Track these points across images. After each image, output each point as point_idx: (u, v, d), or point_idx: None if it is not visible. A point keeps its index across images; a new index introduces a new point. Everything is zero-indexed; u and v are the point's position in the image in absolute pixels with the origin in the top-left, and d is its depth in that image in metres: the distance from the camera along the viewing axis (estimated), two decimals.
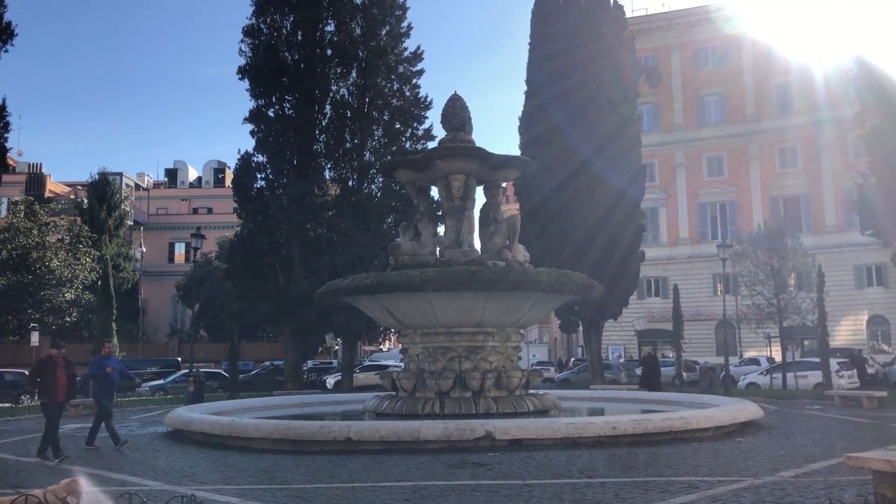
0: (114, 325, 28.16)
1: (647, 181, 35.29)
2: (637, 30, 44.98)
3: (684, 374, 34.08)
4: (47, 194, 71.03)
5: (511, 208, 35.75)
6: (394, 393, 16.55)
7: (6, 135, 23.09)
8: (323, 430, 11.82)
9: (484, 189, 17.56)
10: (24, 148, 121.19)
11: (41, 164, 78.10)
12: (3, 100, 22.96)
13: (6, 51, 23.08)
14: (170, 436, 14.98)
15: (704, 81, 54.04)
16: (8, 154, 68.72)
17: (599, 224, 30.77)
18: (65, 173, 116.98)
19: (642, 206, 33.64)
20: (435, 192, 19.19)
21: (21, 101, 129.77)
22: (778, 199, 50.90)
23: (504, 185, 18.01)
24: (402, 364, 19.72)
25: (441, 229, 18.61)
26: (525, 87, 34.61)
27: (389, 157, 27.09)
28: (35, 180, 73.93)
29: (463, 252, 16.30)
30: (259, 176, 34.65)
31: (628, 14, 38.19)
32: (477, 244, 17.02)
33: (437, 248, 16.87)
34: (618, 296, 31.05)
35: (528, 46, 34.81)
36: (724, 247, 28.92)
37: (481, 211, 17.42)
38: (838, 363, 28.53)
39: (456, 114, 17.38)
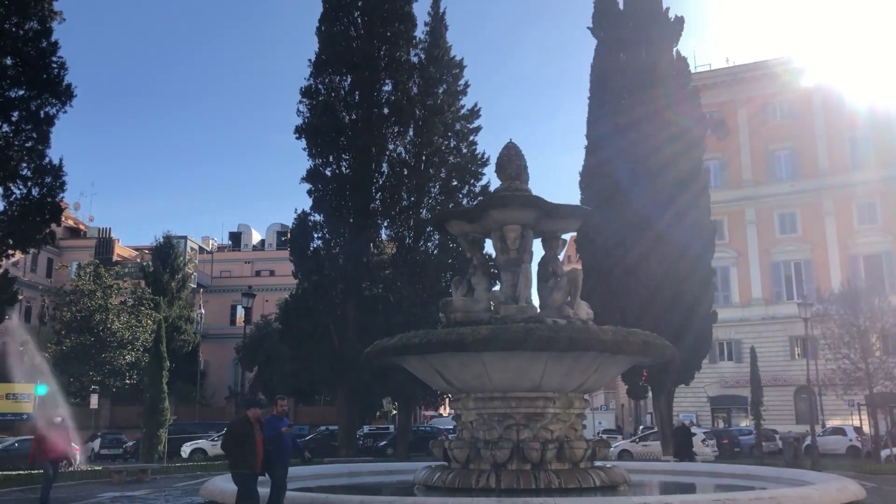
0: (165, 386, 27.62)
1: (716, 239, 33.58)
2: (701, 85, 43.79)
3: (762, 443, 31.68)
4: (115, 258, 72.68)
5: (572, 266, 34.36)
6: (446, 464, 15.17)
7: (62, 194, 23.09)
8: None
9: (542, 241, 16.36)
10: (95, 213, 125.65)
11: (110, 228, 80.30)
12: (61, 160, 23.12)
13: (65, 111, 23.33)
14: None
15: (773, 136, 52.15)
16: (67, 212, 70.52)
17: (667, 282, 29.14)
18: (133, 238, 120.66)
19: (712, 265, 31.86)
20: (490, 245, 18.16)
21: (95, 169, 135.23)
22: (857, 257, 48.09)
23: (564, 237, 16.76)
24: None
25: (497, 286, 17.41)
26: (585, 143, 33.57)
27: (440, 210, 26.25)
28: (104, 244, 75.89)
29: (519, 308, 15.03)
30: (315, 235, 34.32)
31: (692, 70, 37.06)
32: (535, 301, 15.76)
33: (492, 305, 15.64)
34: (689, 359, 29.11)
35: (587, 101, 33.91)
36: (806, 305, 26.81)
37: (539, 265, 16.18)
38: None
39: (511, 161, 16.33)
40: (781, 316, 48.65)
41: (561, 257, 16.74)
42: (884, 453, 28.88)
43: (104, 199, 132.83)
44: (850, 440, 37.72)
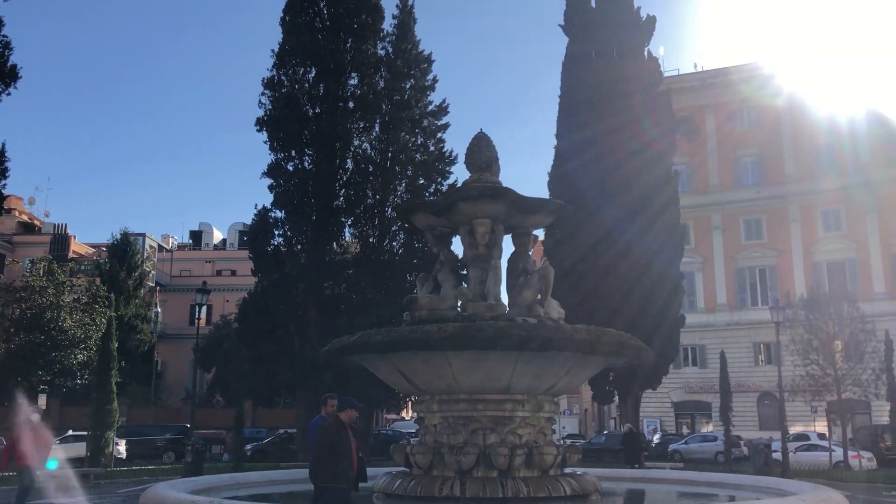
0: (114, 386, 26.28)
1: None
2: (670, 90, 43.52)
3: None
4: (71, 255, 70.43)
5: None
6: (408, 470, 14.28)
7: (3, 181, 21.75)
8: None
9: (512, 237, 15.57)
10: (51, 209, 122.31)
11: (66, 224, 77.95)
12: (3, 145, 21.76)
13: (9, 94, 21.97)
14: None
15: (740, 142, 52.23)
16: (21, 207, 68.23)
17: (636, 286, 28.67)
18: (92, 235, 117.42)
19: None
20: (458, 242, 17.35)
21: (52, 165, 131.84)
22: (821, 263, 48.29)
23: (536, 233, 15.97)
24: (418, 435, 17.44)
25: (465, 283, 16.59)
26: (555, 143, 33.04)
27: (406, 201, 25.29)
28: (59, 241, 73.58)
29: (488, 306, 14.21)
30: (276, 232, 33.24)
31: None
32: (504, 298, 14.96)
33: (459, 302, 14.81)
34: (657, 364, 28.61)
35: (558, 100, 33.38)
36: (778, 309, 26.44)
37: (509, 261, 15.38)
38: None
39: (481, 152, 15.51)
40: (746, 322, 48.65)
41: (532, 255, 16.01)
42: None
43: (61, 195, 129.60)
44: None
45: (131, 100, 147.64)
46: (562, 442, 22.86)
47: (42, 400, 39.63)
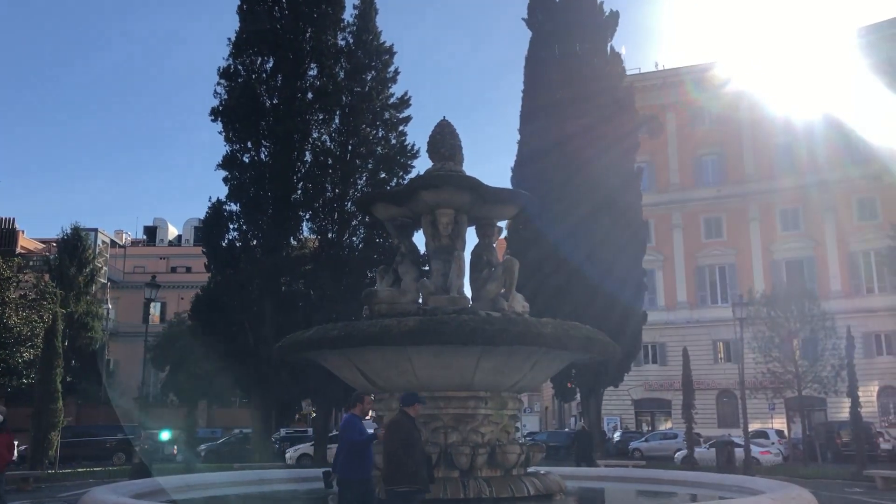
0: (58, 385, 25.09)
1: None
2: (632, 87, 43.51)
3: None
4: (19, 250, 68.04)
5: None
6: None
7: None
8: None
9: (476, 228, 15.04)
10: None
11: (14, 218, 75.25)
12: None
13: None
14: None
15: (701, 141, 52.52)
16: None
17: (599, 284, 28.34)
18: (41, 230, 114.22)
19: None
20: (420, 237, 16.74)
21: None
22: (780, 262, 48.76)
23: (500, 225, 15.44)
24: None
25: (426, 275, 15.95)
26: (518, 138, 32.60)
27: (366, 192, 24.12)
28: (6, 235, 70.89)
29: (451, 299, 13.64)
30: (231, 226, 32.17)
31: None
32: (468, 292, 14.39)
33: (421, 296, 14.21)
34: (619, 361, 28.31)
35: (521, 95, 32.95)
36: (741, 305, 26.32)
37: (473, 253, 14.84)
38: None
39: (444, 140, 14.95)
40: (706, 320, 48.91)
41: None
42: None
43: (9, 188, 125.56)
44: (773, 443, 37.76)
45: (85, 91, 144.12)
46: (524, 440, 22.46)
47: None
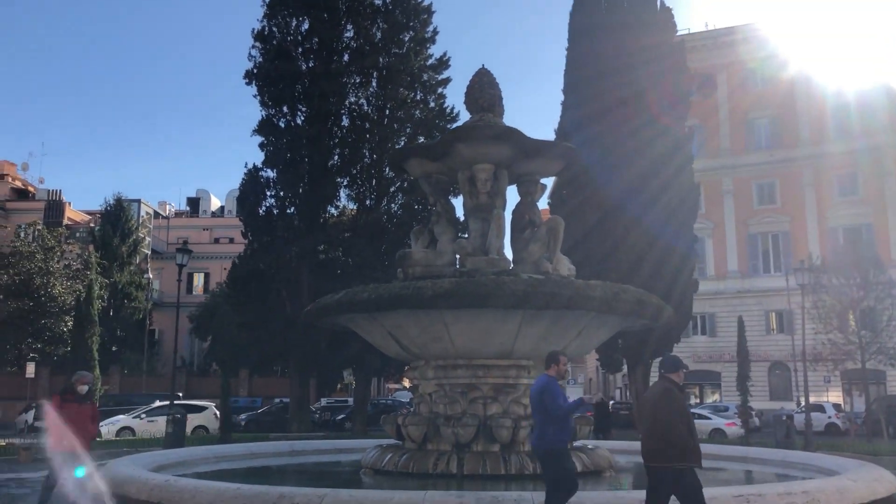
0: (94, 353, 24.78)
1: None
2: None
3: (738, 422, 29.90)
4: (66, 222, 68.89)
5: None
6: (400, 443, 12.82)
7: None
8: (283, 502, 8.14)
9: (518, 185, 13.98)
10: (46, 176, 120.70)
11: (60, 190, 76.21)
12: None
13: None
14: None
15: (753, 104, 50.22)
16: (15, 172, 66.11)
17: (648, 250, 27.02)
18: (87, 203, 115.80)
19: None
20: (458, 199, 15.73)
21: (47, 131, 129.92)
22: (836, 229, 46.56)
23: (544, 182, 14.31)
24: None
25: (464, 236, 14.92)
26: (562, 98, 31.18)
27: (400, 147, 22.74)
28: (53, 207, 71.92)
29: (490, 261, 12.65)
30: (268, 193, 31.53)
31: None
32: (509, 254, 13.37)
33: (458, 258, 13.23)
34: (668, 330, 27.02)
35: (565, 53, 31.47)
36: (802, 271, 24.73)
37: (514, 213, 13.80)
38: None
39: (483, 91, 13.87)
40: (758, 289, 47.15)
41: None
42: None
43: (56, 162, 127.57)
44: (829, 417, 36.23)
45: (129, 64, 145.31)
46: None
47: (31, 368, 38.27)
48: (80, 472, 9.57)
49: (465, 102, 14.16)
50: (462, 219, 15.31)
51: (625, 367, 31.83)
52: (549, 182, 16.51)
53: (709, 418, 32.49)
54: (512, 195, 14.17)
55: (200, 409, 31.85)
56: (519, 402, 12.20)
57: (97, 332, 25.94)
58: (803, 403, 40.62)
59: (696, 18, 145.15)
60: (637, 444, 17.84)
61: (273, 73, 30.36)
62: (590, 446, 12.90)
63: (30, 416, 36.76)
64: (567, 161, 13.97)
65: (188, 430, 26.72)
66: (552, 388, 7.70)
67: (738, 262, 48.59)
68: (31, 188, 78.27)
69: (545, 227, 13.35)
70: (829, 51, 47.24)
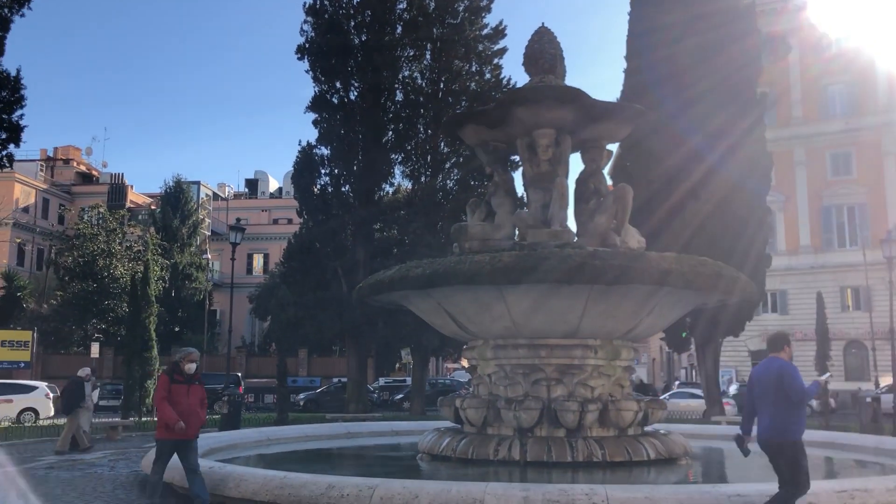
0: (152, 332, 24.77)
1: None
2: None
3: (815, 403, 28.34)
4: (128, 204, 70.20)
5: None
6: (459, 426, 12.09)
7: (20, 110, 19.99)
8: (332, 493, 7.47)
9: (581, 152, 12.99)
10: (109, 160, 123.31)
11: (123, 174, 77.68)
12: (18, 71, 20.01)
13: (22, 15, 20.16)
14: (144, 482, 10.72)
15: (826, 70, 47.59)
16: (80, 157, 67.53)
17: (717, 221, 25.61)
18: (149, 186, 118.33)
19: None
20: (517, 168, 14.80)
21: (109, 115, 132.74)
22: None
23: (610, 148, 13.29)
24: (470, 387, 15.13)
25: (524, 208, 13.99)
26: (625, 64, 29.79)
27: (454, 112, 21.40)
28: (116, 190, 73.37)
29: (552, 233, 11.75)
30: (323, 171, 31.06)
31: None
32: (572, 226, 12.43)
33: (518, 231, 12.37)
34: (740, 307, 25.60)
35: (627, 16, 30.02)
36: (890, 242, 22.99)
37: (577, 181, 12.83)
38: None
39: (543, 50, 12.90)
40: (832, 265, 44.93)
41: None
42: None
43: (118, 145, 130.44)
44: None
45: (189, 47, 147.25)
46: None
47: (95, 349, 38.88)
48: (193, 463, 8.63)
49: (524, 64, 13.21)
50: (522, 191, 14.39)
51: (692, 347, 30.50)
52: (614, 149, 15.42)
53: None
54: (575, 163, 13.23)
55: (29, 389, 28.21)
56: (585, 384, 11.33)
57: (154, 311, 25.89)
58: (883, 384, 38.71)
59: None
60: (712, 428, 16.69)
61: (325, 48, 29.75)
62: (662, 431, 11.96)
63: (95, 395, 37.46)
64: (636, 125, 12.91)
65: (13, 413, 25.25)
66: (791, 371, 6.92)
67: (810, 236, 46.35)
68: (94, 172, 79.97)
69: (612, 197, 12.36)
70: None
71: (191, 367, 9.06)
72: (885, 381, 40.34)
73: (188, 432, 8.68)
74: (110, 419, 22.93)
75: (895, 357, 22.99)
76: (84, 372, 16.86)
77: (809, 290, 44.50)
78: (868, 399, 18.65)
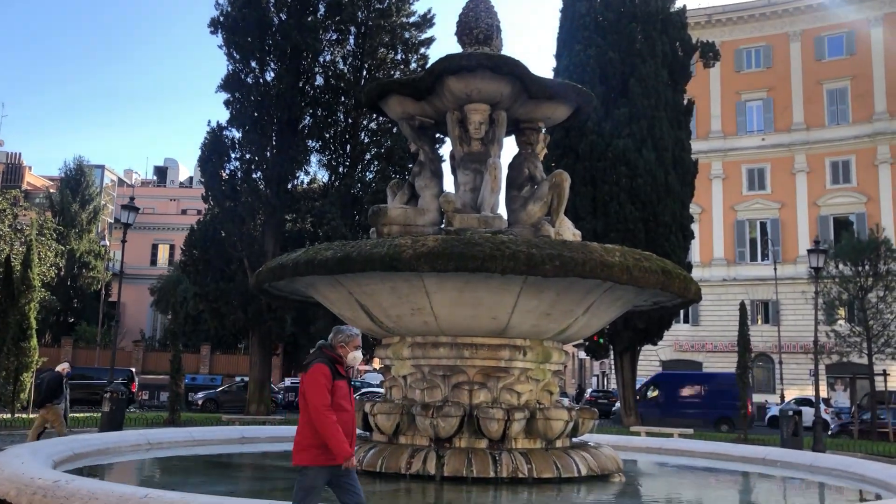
0: (32, 321, 22.29)
1: None
2: None
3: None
4: (25, 186, 65.66)
5: None
6: (367, 434, 10.66)
7: None
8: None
9: (516, 133, 11.82)
10: (6, 138, 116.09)
11: (20, 153, 72.80)
12: None
13: None
14: None
15: (746, 85, 48.47)
16: None
17: (641, 224, 25.10)
18: (50, 168, 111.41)
19: None
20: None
21: (8, 92, 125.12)
22: (827, 218, 45.02)
23: (545, 130, 12.15)
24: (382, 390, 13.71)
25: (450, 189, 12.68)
26: (554, 62, 29.07)
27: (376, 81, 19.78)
28: (12, 171, 68.72)
29: (483, 219, 10.51)
30: (233, 155, 29.00)
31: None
32: (502, 213, 11.22)
33: (444, 216, 11.05)
34: (660, 316, 25.14)
35: (559, 15, 29.35)
36: (817, 254, 22.78)
37: (510, 166, 11.63)
38: None
39: (479, 19, 11.68)
40: (743, 278, 45.63)
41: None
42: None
43: (18, 124, 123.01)
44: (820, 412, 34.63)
45: (97, 28, 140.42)
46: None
47: None
48: (360, 494, 5.92)
49: (457, 33, 11.94)
50: (450, 174, 13.09)
51: (611, 354, 29.97)
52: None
53: None
54: (509, 147, 12.10)
55: None
56: (511, 389, 10.11)
57: (36, 297, 23.39)
58: (789, 398, 39.29)
59: None
60: (637, 440, 15.75)
61: (241, 23, 27.78)
62: (591, 443, 10.85)
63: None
64: (576, 107, 11.80)
65: None
66: None
67: (724, 249, 46.98)
68: None
69: (547, 184, 11.17)
70: (828, 30, 45.62)
71: (356, 357, 6.09)
72: (791, 394, 41.07)
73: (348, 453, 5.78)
74: None
75: (817, 371, 22.82)
76: (63, 367, 14.96)
77: (721, 303, 45.03)
78: (790, 413, 18.23)
